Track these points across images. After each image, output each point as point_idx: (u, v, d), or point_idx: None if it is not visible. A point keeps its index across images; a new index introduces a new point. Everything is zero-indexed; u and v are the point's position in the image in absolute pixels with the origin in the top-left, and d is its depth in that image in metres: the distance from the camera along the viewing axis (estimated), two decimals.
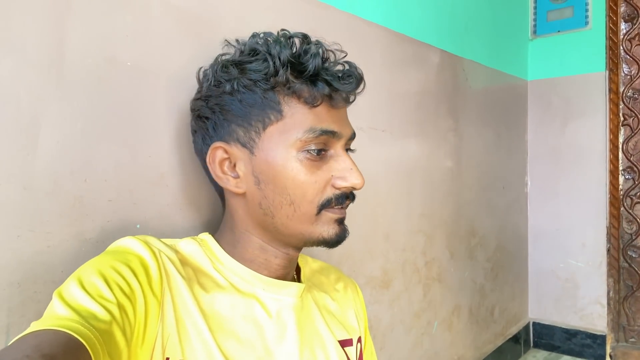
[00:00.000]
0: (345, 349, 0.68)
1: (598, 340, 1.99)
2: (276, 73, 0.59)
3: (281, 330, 0.62)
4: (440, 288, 1.50)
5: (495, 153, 1.89)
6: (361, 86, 0.64)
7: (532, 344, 2.14)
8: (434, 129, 1.48)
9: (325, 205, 0.61)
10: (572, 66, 2.05)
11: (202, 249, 0.63)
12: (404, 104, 1.34)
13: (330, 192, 0.61)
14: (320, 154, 0.61)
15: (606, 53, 1.97)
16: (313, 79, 0.60)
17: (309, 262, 0.76)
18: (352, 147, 0.67)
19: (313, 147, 0.60)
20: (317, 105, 0.60)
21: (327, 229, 0.62)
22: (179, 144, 0.76)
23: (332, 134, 0.61)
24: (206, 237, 0.65)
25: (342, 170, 0.61)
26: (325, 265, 0.78)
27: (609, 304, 2.00)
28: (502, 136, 1.96)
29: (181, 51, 0.76)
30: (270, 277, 0.64)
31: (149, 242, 0.58)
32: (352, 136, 0.65)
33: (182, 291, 0.57)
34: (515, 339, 2.00)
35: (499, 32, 1.91)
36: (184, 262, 0.60)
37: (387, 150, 1.27)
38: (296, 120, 0.60)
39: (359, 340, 0.73)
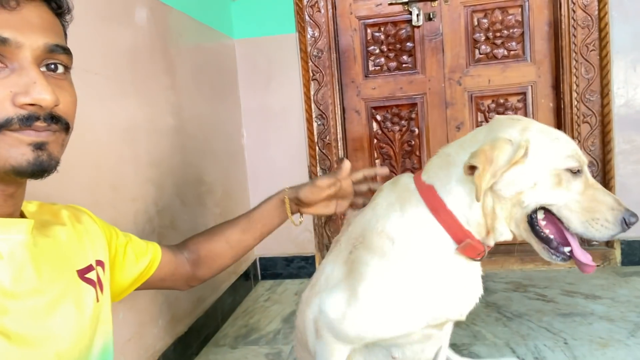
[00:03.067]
0: (86, 276, 0.66)
1: (309, 260, 2.41)
2: None
3: (17, 270, 0.56)
4: (175, 235, 1.54)
5: (214, 108, 2.01)
6: None
7: (260, 277, 2.42)
8: (154, 85, 1.47)
9: (4, 125, 0.53)
10: (270, 27, 2.32)
11: None
12: (120, 58, 1.27)
13: (11, 111, 0.53)
14: None
15: (295, 17, 2.32)
16: None
17: (26, 206, 0.69)
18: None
19: None
20: None
21: (16, 154, 0.54)
22: None
23: (1, 41, 0.52)
24: None
25: (24, 85, 0.54)
26: (40, 202, 0.72)
27: (314, 229, 2.44)
28: (218, 92, 2.09)
29: None
30: None
31: None
32: (51, 49, 0.56)
33: None
34: (245, 275, 2.23)
35: None
36: None
37: (109, 102, 1.20)
38: None
39: (100, 263, 0.71)
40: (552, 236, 0.86)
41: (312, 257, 2.41)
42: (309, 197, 1.03)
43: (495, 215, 0.86)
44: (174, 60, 1.65)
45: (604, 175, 2.18)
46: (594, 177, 2.19)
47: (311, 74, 2.34)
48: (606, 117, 2.15)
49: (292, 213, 1.06)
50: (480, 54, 2.34)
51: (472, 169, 0.82)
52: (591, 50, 2.15)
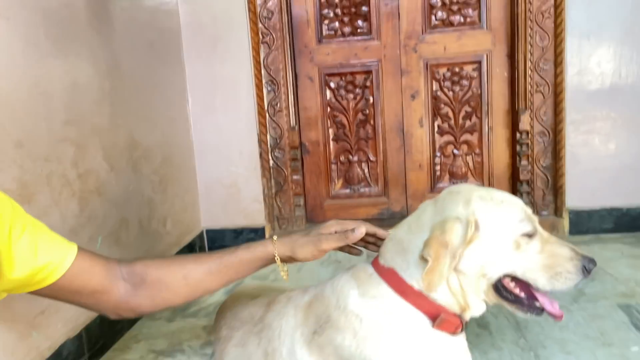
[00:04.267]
0: None
1: (259, 232, 2.32)
2: None
3: None
4: (102, 202, 1.42)
5: (153, 69, 1.86)
6: None
7: (206, 249, 2.32)
8: (81, 39, 1.32)
9: None
10: None
11: None
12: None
13: None
14: None
15: None
16: None
17: None
18: None
19: None
20: None
21: None
22: None
23: None
24: None
25: None
26: None
27: (264, 200, 2.35)
28: (159, 53, 1.94)
29: None
30: None
31: None
32: None
33: None
34: (190, 246, 2.12)
35: None
36: None
37: (15, 51, 1.05)
38: None
39: None
40: (522, 294, 0.87)
41: (262, 229, 2.33)
42: (307, 259, 0.93)
43: (465, 291, 0.85)
44: (110, 14, 1.50)
45: (555, 145, 2.17)
46: (545, 147, 2.21)
47: (261, 37, 2.21)
48: (559, 86, 2.13)
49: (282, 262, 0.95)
50: (436, 20, 2.27)
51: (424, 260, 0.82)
52: (546, 18, 2.11)
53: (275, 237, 0.94)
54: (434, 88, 2.32)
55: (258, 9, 2.19)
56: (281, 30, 2.22)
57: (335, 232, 0.93)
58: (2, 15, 1.05)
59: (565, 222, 2.18)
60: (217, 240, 2.33)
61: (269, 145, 2.29)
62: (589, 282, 1.62)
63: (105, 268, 0.81)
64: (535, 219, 0.87)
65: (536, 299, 0.88)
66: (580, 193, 2.16)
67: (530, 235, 0.84)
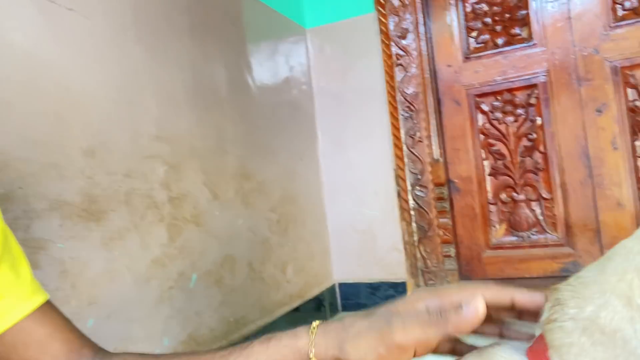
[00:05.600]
0: None
1: (399, 288, 1.91)
2: None
3: None
4: (199, 233, 1.22)
5: (278, 99, 1.71)
6: None
7: (340, 307, 1.99)
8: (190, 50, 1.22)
9: None
10: (344, 10, 2.00)
11: None
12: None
13: None
14: None
15: None
16: None
17: None
18: None
19: None
20: None
21: None
22: None
23: None
24: None
25: None
26: None
27: (405, 249, 1.95)
28: (287, 81, 1.80)
29: None
30: None
31: None
32: None
33: None
34: (317, 300, 1.82)
35: None
36: None
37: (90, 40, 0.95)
38: None
39: None
40: None
41: (403, 285, 1.91)
42: (360, 356, 0.48)
43: None
44: (232, 40, 1.40)
45: None
46: None
47: (395, 59, 1.94)
48: None
49: None
50: (624, 9, 1.73)
51: None
52: None
53: (315, 324, 0.51)
54: (630, 97, 1.72)
55: (391, 30, 1.94)
56: (418, 49, 1.92)
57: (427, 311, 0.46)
58: (82, 13, 0.95)
59: None
60: (351, 296, 1.98)
61: (408, 183, 1.93)
62: None
63: (75, 338, 0.54)
64: None
65: None
66: None
67: None
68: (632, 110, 1.72)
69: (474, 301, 0.43)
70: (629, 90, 1.73)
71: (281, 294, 1.59)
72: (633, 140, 1.72)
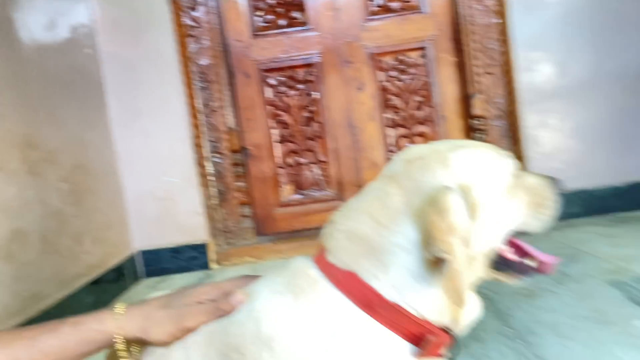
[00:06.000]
0: None
1: (200, 249, 2.04)
2: None
3: None
4: None
5: (57, 53, 1.60)
6: None
7: (144, 274, 2.02)
8: None
9: None
10: None
11: None
12: None
13: None
14: None
15: None
16: None
17: None
18: None
19: None
20: None
21: None
22: None
23: None
24: None
25: None
26: None
27: (206, 212, 2.08)
28: (68, 43, 1.69)
29: None
30: None
31: None
32: None
33: None
34: (118, 270, 1.82)
35: None
36: None
37: None
38: None
39: None
40: (516, 257, 0.67)
41: (204, 246, 2.05)
42: (164, 341, 0.63)
43: (464, 285, 0.57)
44: None
45: (511, 128, 2.05)
46: (502, 132, 2.09)
47: (186, 30, 2.00)
48: (507, 65, 2.02)
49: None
50: (375, 6, 2.15)
51: (435, 262, 0.57)
52: None
53: (120, 307, 0.64)
54: (381, 78, 2.17)
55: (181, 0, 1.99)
56: (209, 22, 2.02)
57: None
58: None
59: None
60: (153, 262, 2.03)
61: (205, 150, 2.05)
62: (570, 264, 1.46)
63: None
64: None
65: (527, 257, 0.68)
66: None
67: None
68: (382, 89, 2.17)
69: (236, 295, 0.63)
70: (380, 73, 2.17)
71: (79, 266, 1.55)
72: (384, 113, 2.18)
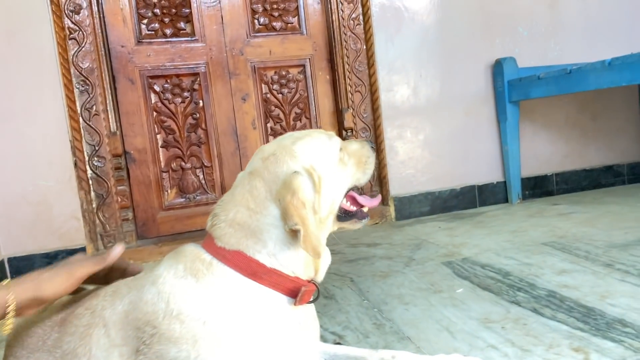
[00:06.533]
0: None
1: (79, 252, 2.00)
2: None
3: None
4: None
5: None
6: None
7: None
8: None
9: None
10: None
11: None
12: None
13: None
14: None
15: None
16: None
17: None
18: None
19: None
20: None
21: None
22: None
23: None
24: None
25: None
26: None
27: (84, 216, 2.05)
28: None
29: None
30: None
31: None
32: None
33: None
34: None
35: None
36: None
37: None
38: None
39: None
40: (354, 208, 0.90)
41: (82, 249, 2.02)
42: (59, 293, 0.71)
43: (320, 239, 0.77)
44: None
45: (376, 139, 2.37)
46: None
47: (68, 32, 1.98)
48: (373, 85, 2.34)
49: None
50: (259, 24, 2.33)
51: (294, 231, 0.75)
52: (357, 25, 2.33)
53: (6, 281, 0.70)
54: (264, 90, 2.35)
55: (62, 2, 1.97)
56: (92, 27, 2.02)
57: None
58: None
59: (392, 210, 2.37)
60: (23, 269, 1.94)
61: (85, 154, 2.03)
62: (416, 251, 1.77)
63: None
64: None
65: (361, 206, 0.92)
66: (400, 182, 2.38)
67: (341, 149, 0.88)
68: (265, 100, 2.35)
69: (117, 247, 0.81)
70: (263, 85, 2.35)
71: None
72: (266, 123, 2.36)
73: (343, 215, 0.87)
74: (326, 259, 0.83)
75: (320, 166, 0.81)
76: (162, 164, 2.25)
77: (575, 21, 2.57)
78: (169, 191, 2.27)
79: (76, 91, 2.00)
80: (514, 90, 2.36)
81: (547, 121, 2.58)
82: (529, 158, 2.52)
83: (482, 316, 1.13)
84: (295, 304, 0.77)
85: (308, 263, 0.79)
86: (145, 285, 0.76)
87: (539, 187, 2.57)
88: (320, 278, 0.83)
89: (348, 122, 2.35)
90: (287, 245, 0.76)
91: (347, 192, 0.88)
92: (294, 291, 0.77)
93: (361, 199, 0.92)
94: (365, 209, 0.91)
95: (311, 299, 0.81)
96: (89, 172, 2.04)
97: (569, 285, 1.26)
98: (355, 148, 0.91)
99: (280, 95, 2.37)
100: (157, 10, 2.19)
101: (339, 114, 2.39)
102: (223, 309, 0.72)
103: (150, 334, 0.71)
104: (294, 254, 0.77)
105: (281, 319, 0.76)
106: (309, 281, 0.80)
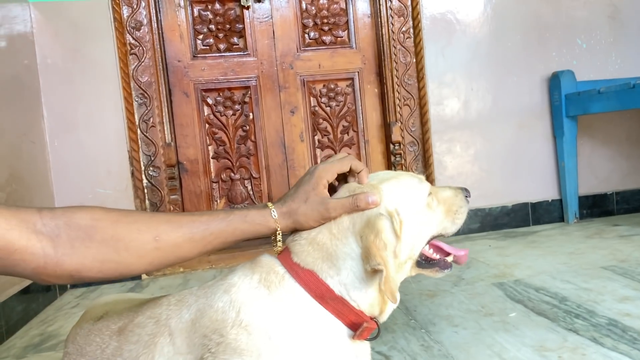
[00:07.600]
0: None
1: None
2: None
3: None
4: None
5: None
6: None
7: (69, 285, 2.02)
8: None
9: None
10: None
11: None
12: None
13: None
14: None
15: None
16: None
17: None
18: None
19: None
20: None
21: None
22: None
23: None
24: None
25: None
26: None
27: None
28: (6, 53, 1.71)
29: None
30: None
31: None
32: None
33: None
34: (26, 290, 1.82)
35: None
36: None
37: None
38: None
39: None
40: (437, 256, 0.87)
41: None
42: (313, 227, 0.80)
43: (395, 283, 0.78)
44: None
45: (424, 153, 2.34)
46: (416, 156, 2.37)
47: (129, 48, 2.09)
48: (422, 99, 2.32)
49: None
50: (309, 38, 2.36)
51: (374, 270, 0.75)
52: (407, 38, 2.31)
53: (270, 205, 0.80)
54: (312, 103, 2.38)
55: (125, 19, 2.07)
56: (151, 42, 2.12)
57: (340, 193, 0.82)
58: None
59: None
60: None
61: (142, 163, 2.12)
62: (465, 269, 1.72)
63: (17, 219, 0.63)
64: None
65: (446, 255, 0.88)
66: None
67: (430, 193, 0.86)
68: (313, 113, 2.38)
69: (374, 195, 0.78)
70: (312, 99, 2.38)
71: (5, 277, 1.56)
72: (313, 135, 2.38)
73: (424, 261, 0.85)
74: (392, 304, 0.81)
75: (404, 210, 0.80)
76: (213, 175, 2.31)
77: (638, 32, 2.44)
78: (219, 201, 2.32)
79: (135, 104, 2.10)
80: (571, 105, 2.26)
81: (606, 137, 2.46)
82: (586, 175, 2.41)
83: (537, 343, 1.08)
84: (353, 338, 0.77)
85: (374, 303, 0.78)
86: (216, 293, 0.76)
87: (597, 207, 2.44)
88: (383, 319, 0.81)
89: (396, 135, 2.33)
90: (360, 279, 0.76)
91: (431, 239, 0.85)
92: (355, 324, 0.76)
93: (447, 247, 0.88)
94: (449, 259, 0.87)
95: (369, 337, 0.80)
96: (145, 181, 2.13)
97: (631, 314, 1.18)
98: (448, 195, 0.87)
99: (328, 109, 2.39)
100: (212, 26, 2.27)
101: (386, 128, 2.38)
102: (288, 327, 0.73)
103: (216, 342, 0.71)
104: (364, 290, 0.77)
105: (341, 349, 0.76)
106: (371, 318, 0.79)
